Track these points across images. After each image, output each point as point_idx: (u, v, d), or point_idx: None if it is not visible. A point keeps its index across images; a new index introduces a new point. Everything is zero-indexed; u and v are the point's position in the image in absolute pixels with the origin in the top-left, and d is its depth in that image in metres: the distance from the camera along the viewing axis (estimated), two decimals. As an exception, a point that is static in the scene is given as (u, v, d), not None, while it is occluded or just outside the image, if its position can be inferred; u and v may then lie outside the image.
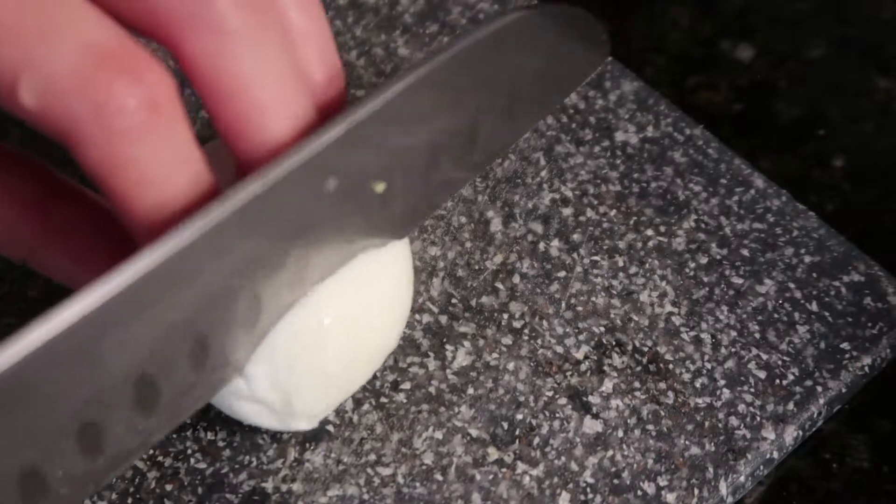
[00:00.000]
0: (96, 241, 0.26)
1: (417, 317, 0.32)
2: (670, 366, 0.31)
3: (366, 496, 0.28)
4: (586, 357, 0.31)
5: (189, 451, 0.29)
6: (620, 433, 0.29)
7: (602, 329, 0.31)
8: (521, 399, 0.30)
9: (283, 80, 0.23)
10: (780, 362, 0.31)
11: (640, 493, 0.28)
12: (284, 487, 0.29)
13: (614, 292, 0.32)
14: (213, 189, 0.22)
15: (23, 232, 0.25)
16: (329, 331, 0.26)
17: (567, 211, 0.34)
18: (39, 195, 0.25)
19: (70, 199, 0.25)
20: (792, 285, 0.32)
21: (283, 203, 0.23)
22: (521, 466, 0.29)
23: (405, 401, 0.30)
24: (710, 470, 0.29)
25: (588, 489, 0.28)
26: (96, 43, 0.20)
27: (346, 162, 0.24)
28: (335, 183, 0.24)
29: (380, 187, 0.25)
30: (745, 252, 0.33)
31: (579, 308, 0.32)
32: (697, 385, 0.30)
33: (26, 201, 0.25)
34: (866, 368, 0.31)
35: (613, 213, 0.34)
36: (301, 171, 0.23)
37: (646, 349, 0.31)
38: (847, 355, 0.31)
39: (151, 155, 0.21)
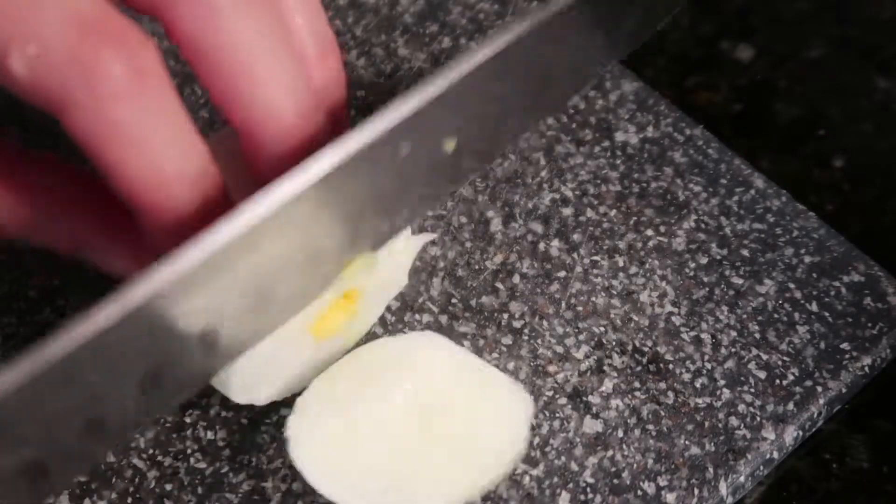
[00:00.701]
0: (102, 215, 0.26)
1: (417, 317, 0.32)
2: (670, 366, 0.31)
3: (366, 496, 0.28)
4: (586, 357, 0.31)
5: (189, 451, 0.29)
6: (620, 433, 0.29)
7: (602, 329, 0.31)
8: (521, 399, 0.30)
9: (276, 50, 0.23)
10: (780, 362, 0.31)
11: (639, 493, 0.28)
12: (284, 487, 0.28)
13: (614, 292, 0.32)
14: (202, 154, 0.23)
15: (25, 208, 0.25)
16: None
17: (567, 211, 0.34)
18: (40, 172, 0.25)
19: (72, 175, 0.26)
20: (792, 285, 0.32)
21: (360, 170, 0.24)
22: (520, 466, 0.29)
23: (405, 401, 0.30)
24: (710, 470, 0.29)
25: (588, 489, 0.28)
26: (84, 13, 0.21)
27: (418, 128, 0.25)
28: (408, 147, 0.25)
29: (450, 145, 0.26)
30: (745, 252, 0.33)
31: (579, 308, 0.32)
32: (697, 385, 0.30)
33: (27, 177, 0.25)
34: (866, 369, 0.31)
35: (613, 213, 0.34)
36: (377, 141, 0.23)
37: (646, 349, 0.31)
38: (847, 355, 0.31)
39: (138, 119, 0.21)
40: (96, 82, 0.21)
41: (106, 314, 0.20)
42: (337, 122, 0.26)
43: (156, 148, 0.22)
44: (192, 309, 0.22)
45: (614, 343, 0.31)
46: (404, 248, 0.30)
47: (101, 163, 0.22)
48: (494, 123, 0.28)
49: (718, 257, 0.33)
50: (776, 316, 0.31)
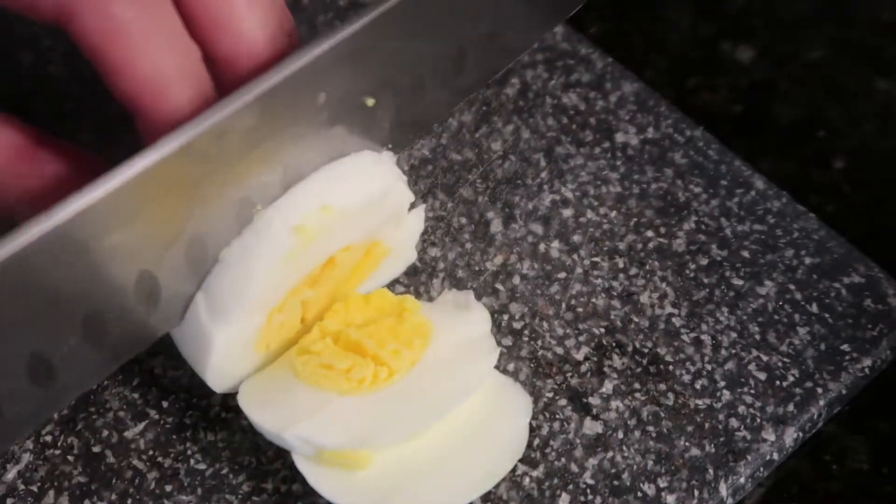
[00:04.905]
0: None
1: (417, 318, 0.32)
2: (670, 367, 0.31)
3: (366, 497, 0.28)
4: (586, 358, 0.31)
5: (189, 452, 0.29)
6: (620, 434, 0.29)
7: (602, 330, 0.31)
8: (522, 400, 0.30)
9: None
10: (780, 364, 0.31)
11: (640, 494, 0.28)
12: (284, 488, 0.28)
13: (614, 293, 0.32)
14: (196, 57, 0.24)
15: (11, 180, 0.25)
16: None
17: (567, 212, 0.34)
18: (26, 142, 0.26)
19: (56, 150, 0.26)
20: (792, 287, 0.32)
21: (276, 112, 0.25)
22: (520, 468, 0.29)
23: (405, 402, 0.30)
24: (710, 471, 0.29)
25: (588, 490, 0.28)
26: None
27: (336, 77, 0.26)
28: (325, 96, 0.26)
29: (370, 101, 0.28)
30: (746, 253, 0.33)
31: (579, 309, 0.32)
32: (697, 386, 0.30)
33: (13, 149, 0.25)
34: (866, 370, 0.31)
35: (614, 214, 0.34)
36: (292, 84, 0.25)
37: (646, 350, 0.31)
38: (847, 357, 0.31)
39: (142, 20, 0.23)
40: None
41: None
42: (292, 45, 0.28)
43: (157, 48, 0.23)
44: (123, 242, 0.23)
45: (614, 344, 0.31)
46: (403, 226, 0.30)
47: (107, 66, 0.23)
48: (412, 86, 0.29)
49: (719, 258, 0.33)
50: (776, 317, 0.31)
